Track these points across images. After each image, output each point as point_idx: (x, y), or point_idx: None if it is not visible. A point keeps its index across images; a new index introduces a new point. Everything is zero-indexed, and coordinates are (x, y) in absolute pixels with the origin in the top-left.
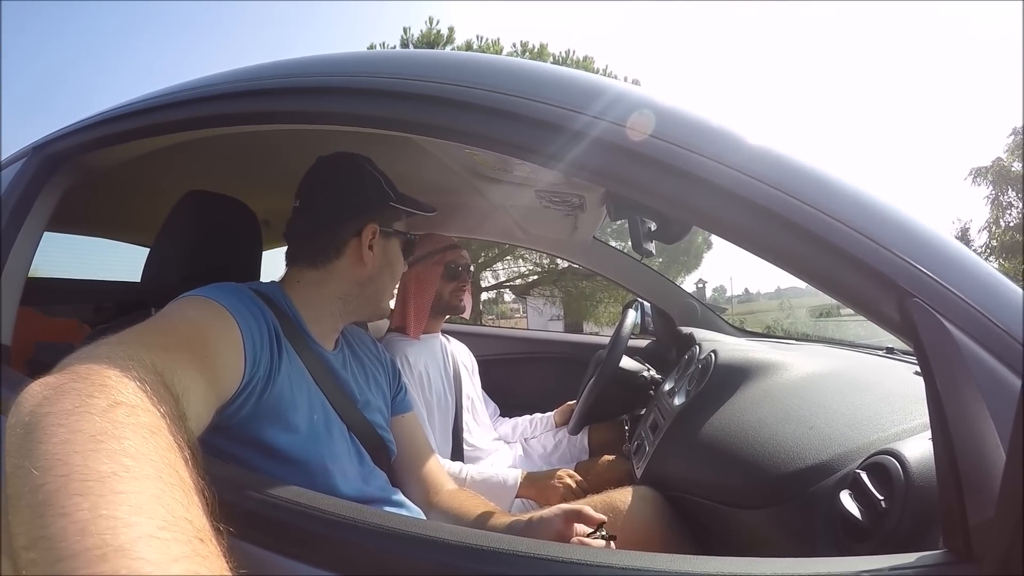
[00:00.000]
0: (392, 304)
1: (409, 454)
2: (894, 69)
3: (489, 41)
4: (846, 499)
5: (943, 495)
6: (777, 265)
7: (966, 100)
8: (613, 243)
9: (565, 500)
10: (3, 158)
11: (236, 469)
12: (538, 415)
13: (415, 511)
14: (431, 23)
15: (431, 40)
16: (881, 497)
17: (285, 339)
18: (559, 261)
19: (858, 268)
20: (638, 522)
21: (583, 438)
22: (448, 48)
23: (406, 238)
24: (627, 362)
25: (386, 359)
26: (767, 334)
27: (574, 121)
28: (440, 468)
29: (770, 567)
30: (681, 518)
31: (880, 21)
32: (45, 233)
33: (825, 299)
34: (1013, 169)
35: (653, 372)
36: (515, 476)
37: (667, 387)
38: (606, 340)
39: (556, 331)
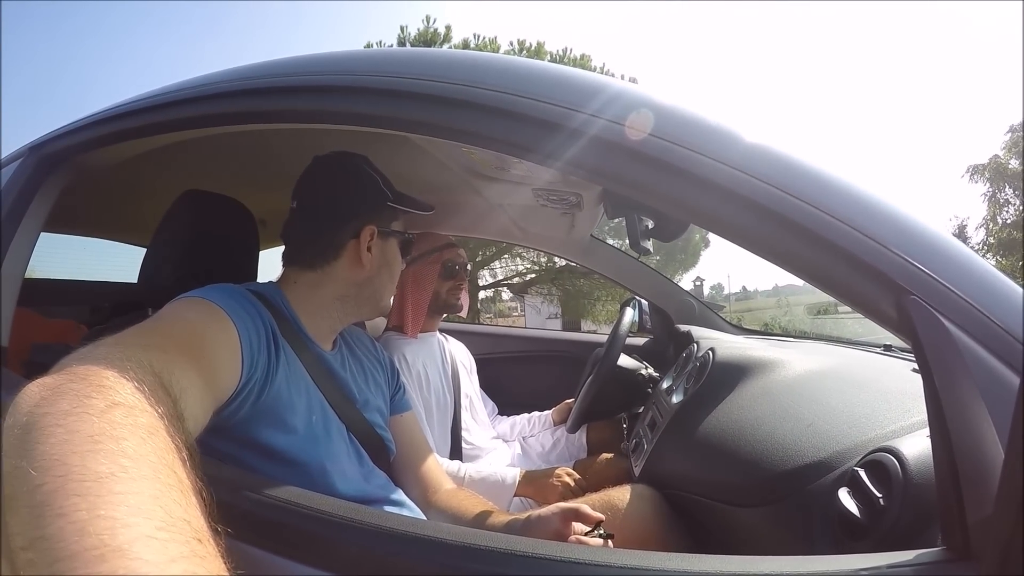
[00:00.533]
0: (389, 305)
1: (408, 453)
2: (891, 66)
3: (486, 39)
4: (844, 497)
5: (941, 493)
6: (775, 263)
7: (964, 98)
8: (611, 241)
9: (563, 498)
10: (0, 158)
11: (234, 470)
12: (536, 413)
13: (415, 510)
14: (428, 21)
15: (428, 38)
16: (879, 495)
17: (283, 340)
18: (557, 259)
19: (856, 266)
20: (636, 520)
21: (581, 436)
22: (445, 46)
23: (404, 237)
24: (625, 360)
25: (384, 358)
26: (765, 332)
27: (572, 119)
28: (439, 467)
29: (768, 565)
30: (679, 516)
31: (878, 19)
32: (42, 234)
33: (823, 297)
34: (1010, 166)
35: (651, 370)
36: (514, 475)
37: (665, 385)
38: (604, 338)
39: (554, 329)
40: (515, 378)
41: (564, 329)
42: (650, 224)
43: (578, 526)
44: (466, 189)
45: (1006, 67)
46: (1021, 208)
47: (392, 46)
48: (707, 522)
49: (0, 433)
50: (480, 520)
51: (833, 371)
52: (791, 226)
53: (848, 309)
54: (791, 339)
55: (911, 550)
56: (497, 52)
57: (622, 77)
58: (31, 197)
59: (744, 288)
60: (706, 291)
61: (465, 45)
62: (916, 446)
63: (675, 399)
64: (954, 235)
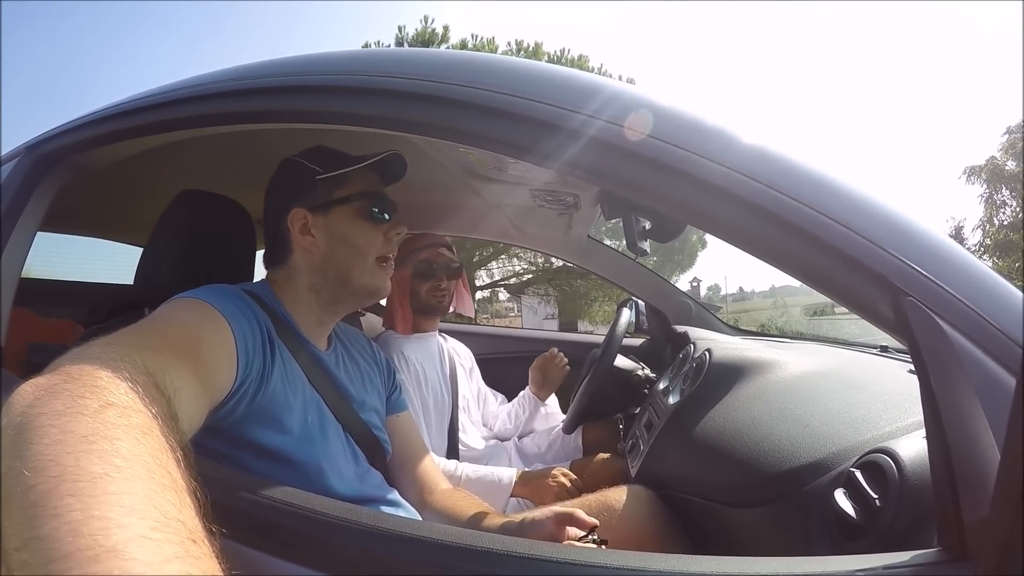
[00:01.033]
0: (374, 279)
1: (404, 453)
2: (888, 67)
3: (484, 40)
4: (840, 497)
5: (938, 493)
6: (772, 264)
7: (960, 99)
8: (608, 242)
9: (560, 499)
10: None
11: (229, 470)
12: (520, 394)
13: (410, 511)
14: (426, 22)
15: (426, 39)
16: (876, 495)
17: (278, 340)
18: (554, 260)
19: (853, 267)
20: (633, 521)
21: (577, 437)
22: (443, 47)
23: (360, 200)
24: (622, 361)
25: (381, 358)
26: (761, 332)
27: (569, 120)
28: (435, 467)
29: (765, 566)
30: (676, 517)
31: (875, 19)
32: (39, 233)
33: (819, 298)
34: (1007, 168)
35: (648, 371)
36: (510, 475)
37: (662, 386)
38: (601, 339)
39: (551, 330)
40: (512, 378)
41: (561, 330)
42: (647, 225)
43: (572, 531)
44: (463, 189)
45: (1003, 68)
46: (1018, 210)
47: (390, 46)
48: (703, 523)
49: None
50: (475, 521)
51: (830, 372)
52: (788, 227)
53: (845, 310)
54: (788, 340)
55: (907, 551)
56: (495, 52)
57: (620, 78)
58: (28, 196)
59: (741, 289)
60: (703, 292)
61: (463, 45)
62: (912, 447)
63: (672, 400)
64: (951, 237)
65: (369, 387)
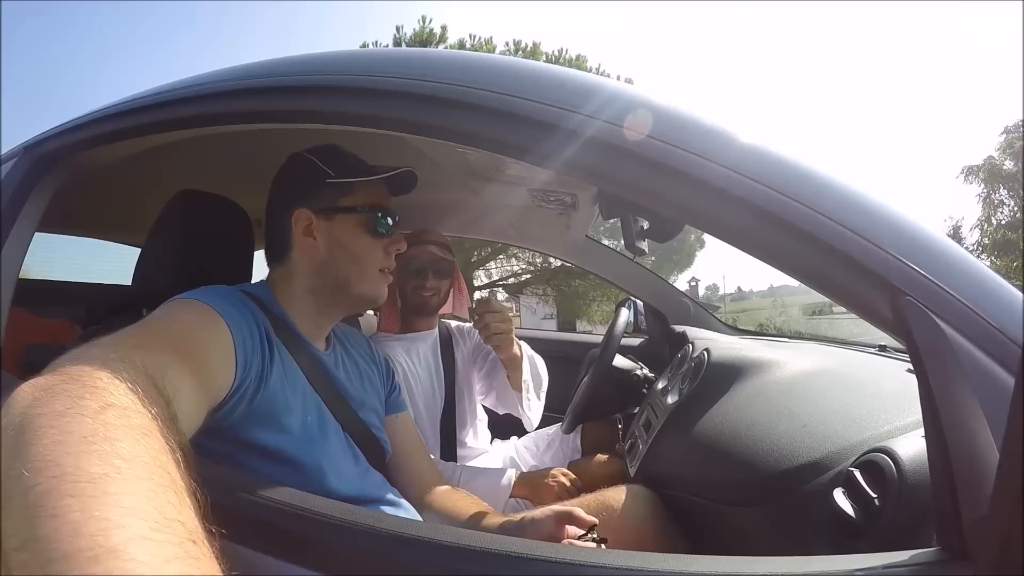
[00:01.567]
0: (372, 288)
1: (403, 453)
2: (886, 67)
3: (482, 40)
4: (839, 497)
5: (936, 493)
6: (770, 264)
7: (958, 99)
8: (606, 242)
9: (559, 499)
10: None
11: (228, 471)
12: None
13: (410, 510)
14: (424, 22)
15: (424, 39)
16: (874, 495)
17: (277, 340)
18: (552, 260)
19: (851, 266)
20: (632, 521)
21: (576, 437)
22: (441, 47)
23: (366, 212)
24: (620, 361)
25: (380, 359)
26: (760, 332)
27: (567, 120)
28: (433, 468)
29: (764, 566)
30: (675, 516)
31: (873, 19)
32: (36, 233)
33: (818, 297)
34: (1005, 167)
35: (646, 371)
36: (509, 475)
37: (660, 385)
38: (599, 339)
39: (549, 330)
40: None
41: (559, 329)
42: (645, 225)
43: (572, 530)
44: (462, 189)
45: (1001, 68)
46: (1015, 209)
47: (388, 46)
48: (702, 522)
49: None
50: (474, 521)
51: (828, 371)
52: (786, 227)
53: (843, 310)
54: (786, 340)
55: (906, 550)
56: (493, 52)
57: (618, 77)
58: (26, 197)
59: (739, 289)
60: (701, 292)
61: (461, 45)
62: (911, 446)
63: (670, 400)
64: (949, 236)
65: (368, 387)
